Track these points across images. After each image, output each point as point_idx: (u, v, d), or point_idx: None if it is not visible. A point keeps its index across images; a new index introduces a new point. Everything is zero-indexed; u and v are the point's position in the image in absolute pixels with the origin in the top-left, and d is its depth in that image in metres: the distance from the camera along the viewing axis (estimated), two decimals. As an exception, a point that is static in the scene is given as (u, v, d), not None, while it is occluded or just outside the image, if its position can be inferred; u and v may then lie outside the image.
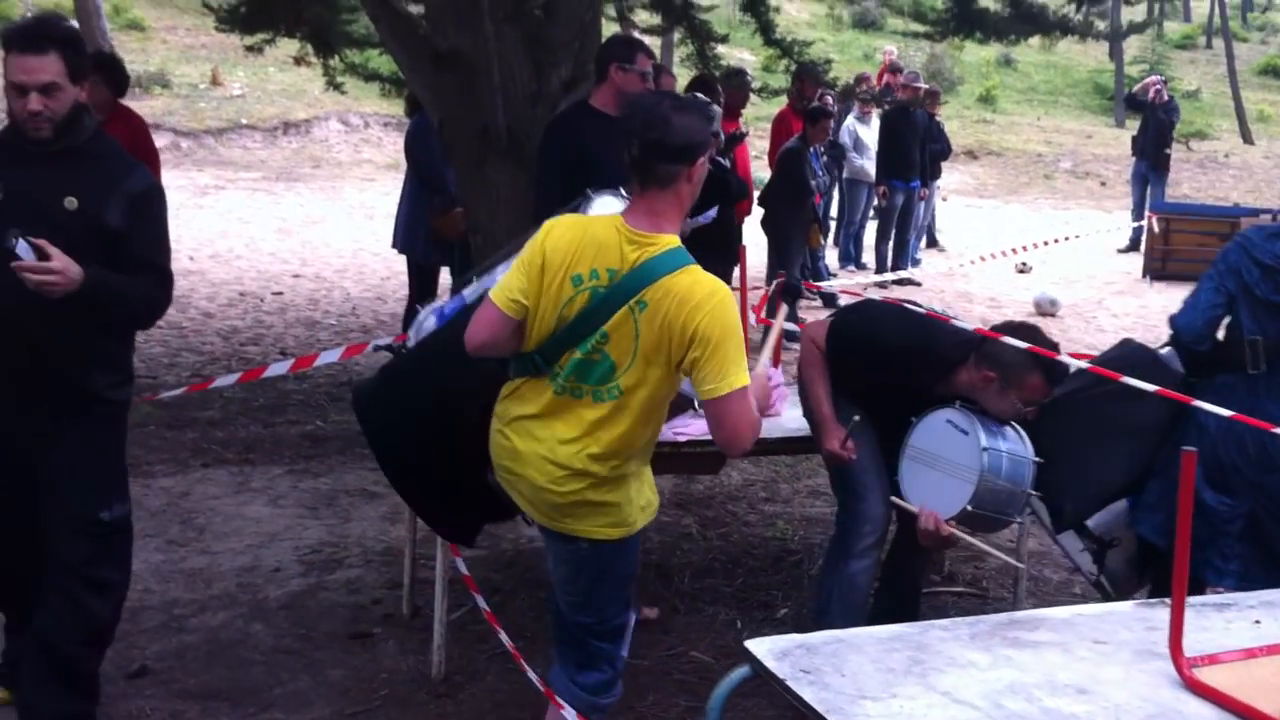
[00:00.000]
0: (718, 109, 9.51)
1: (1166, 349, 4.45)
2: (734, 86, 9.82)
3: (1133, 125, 19.59)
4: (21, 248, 3.26)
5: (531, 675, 3.58)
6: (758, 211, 10.32)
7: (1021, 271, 14.01)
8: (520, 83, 6.50)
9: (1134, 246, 15.86)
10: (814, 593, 4.67)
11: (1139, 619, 2.80)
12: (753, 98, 10.85)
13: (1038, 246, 12.39)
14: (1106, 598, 4.28)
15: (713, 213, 5.99)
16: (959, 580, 5.51)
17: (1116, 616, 2.83)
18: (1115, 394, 4.17)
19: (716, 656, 4.54)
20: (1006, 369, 3.96)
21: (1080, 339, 10.68)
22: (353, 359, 7.66)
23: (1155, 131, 15.90)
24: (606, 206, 3.56)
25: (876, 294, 8.24)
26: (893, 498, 4.19)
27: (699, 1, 10.43)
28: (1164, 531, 4.11)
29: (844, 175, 13.49)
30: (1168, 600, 2.50)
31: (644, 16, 11.65)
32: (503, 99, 6.38)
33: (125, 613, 3.92)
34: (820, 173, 10.81)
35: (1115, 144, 26.14)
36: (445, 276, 8.39)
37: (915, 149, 13.15)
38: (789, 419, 4.76)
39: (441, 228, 7.72)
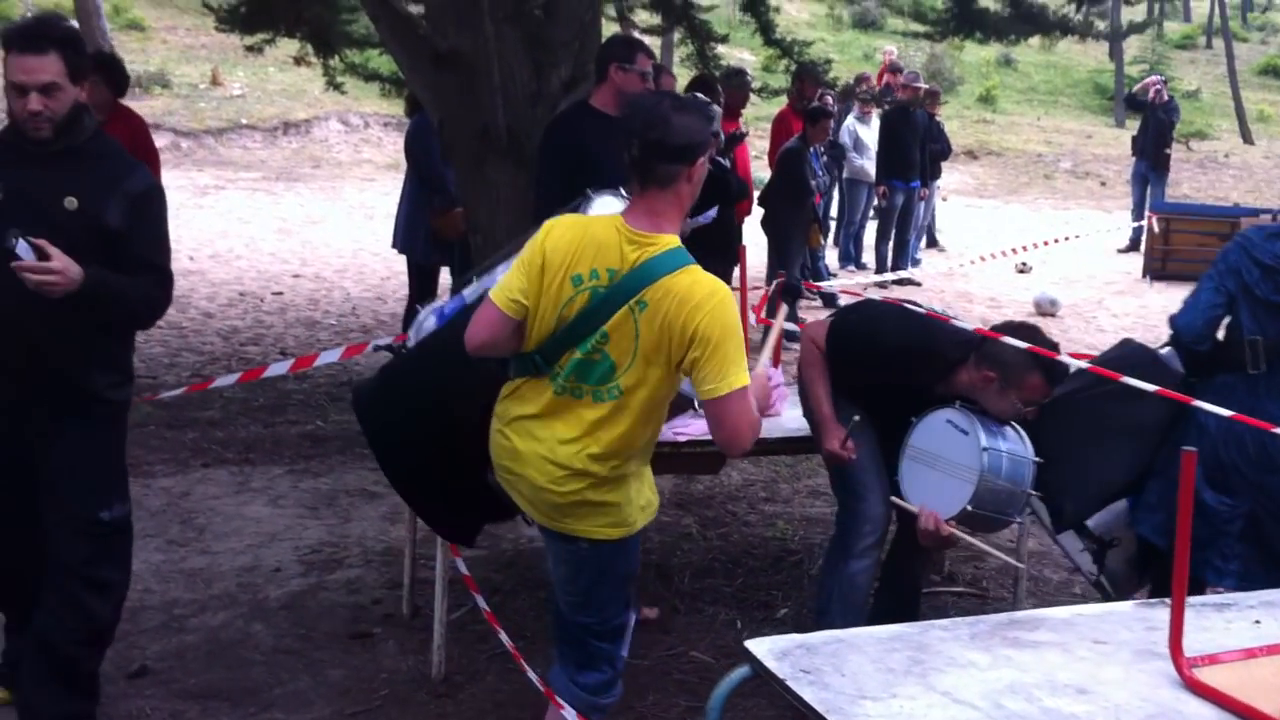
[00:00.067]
0: (718, 109, 9.50)
1: (1166, 349, 4.45)
2: (734, 86, 9.80)
3: (1133, 125, 19.59)
4: (21, 248, 3.26)
5: (531, 675, 3.58)
6: (758, 211, 10.31)
7: (1021, 271, 14.01)
8: (520, 83, 6.50)
9: (1134, 246, 15.86)
10: (814, 593, 4.67)
11: (1139, 619, 2.80)
12: (753, 98, 10.84)
13: (1038, 246, 12.39)
14: (1106, 598, 4.28)
15: (713, 213, 5.99)
16: (959, 580, 5.51)
17: (1116, 616, 2.83)
18: (1115, 394, 4.16)
19: (716, 656, 4.53)
20: (1006, 369, 3.96)
21: (1080, 339, 10.68)
22: (353, 359, 7.66)
23: (1155, 131, 15.90)
24: (606, 206, 3.56)
25: (876, 294, 8.24)
26: (893, 498, 4.19)
27: (699, 1, 10.43)
28: (1164, 531, 4.11)
29: (844, 175, 13.49)
30: (1168, 600, 2.50)
31: (644, 16, 11.65)
32: (503, 99, 6.37)
33: (125, 613, 3.92)
34: (820, 173, 10.81)
35: (1115, 144, 26.14)
36: (445, 276, 8.39)
37: (915, 149, 13.15)
38: (789, 419, 4.76)
39: (441, 228, 7.72)
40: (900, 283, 12.19)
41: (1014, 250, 12.76)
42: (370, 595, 4.97)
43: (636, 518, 3.17)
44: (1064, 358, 4.11)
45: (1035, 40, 18.30)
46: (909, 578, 4.58)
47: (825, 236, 12.45)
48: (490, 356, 3.17)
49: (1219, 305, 4.19)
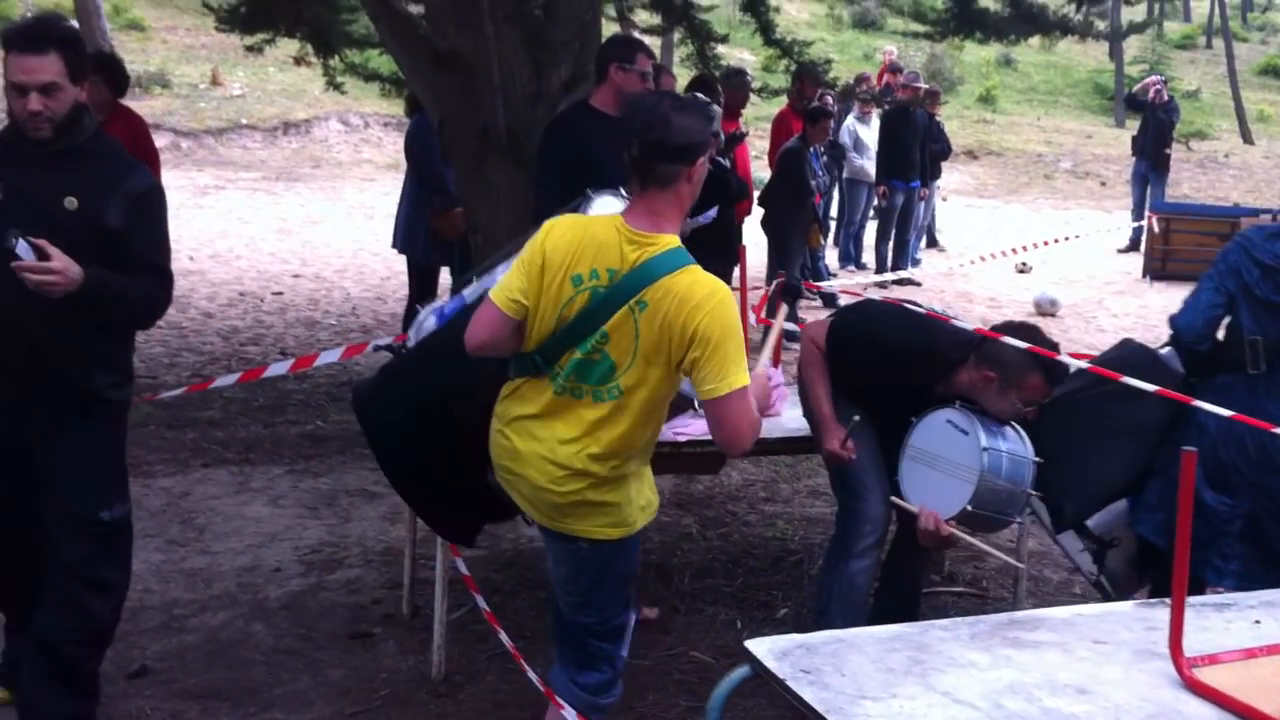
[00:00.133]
0: (717, 109, 9.50)
1: (1166, 349, 4.44)
2: (734, 86, 9.80)
3: (1133, 125, 19.59)
4: (21, 248, 3.26)
5: (531, 675, 3.58)
6: (757, 211, 10.31)
7: (1021, 271, 14.01)
8: (520, 83, 6.50)
9: (1134, 246, 15.86)
10: (814, 593, 4.67)
11: (1139, 619, 2.80)
12: (753, 98, 10.84)
13: (1038, 246, 12.39)
14: (1106, 598, 4.28)
15: (713, 213, 5.99)
16: (959, 580, 5.51)
17: (1116, 616, 2.83)
18: (1115, 394, 4.16)
19: (716, 656, 4.53)
20: (1006, 369, 3.96)
21: (1080, 339, 10.68)
22: (353, 359, 7.66)
23: (1155, 131, 15.89)
24: (606, 206, 3.56)
25: (876, 294, 8.23)
26: (893, 498, 4.19)
27: (699, 1, 10.43)
28: (1164, 531, 4.11)
29: (844, 175, 13.49)
30: (1168, 600, 2.50)
31: (644, 16, 11.65)
32: (503, 99, 6.37)
33: (125, 613, 3.92)
34: (820, 173, 10.80)
35: (1115, 144, 26.14)
36: (445, 276, 8.39)
37: (915, 149, 13.15)
38: (789, 419, 4.76)
39: (441, 228, 7.72)
40: (900, 283, 12.19)
41: (1014, 250, 12.76)
42: (370, 595, 4.97)
43: (636, 518, 3.17)
44: (1064, 358, 4.11)
45: (1035, 40, 18.29)
46: (909, 578, 4.58)
47: (825, 236, 12.45)
48: (490, 356, 3.16)
49: (1219, 305, 4.19)
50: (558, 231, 3.08)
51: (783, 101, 11.64)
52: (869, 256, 13.89)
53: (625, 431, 3.05)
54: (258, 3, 9.22)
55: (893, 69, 15.59)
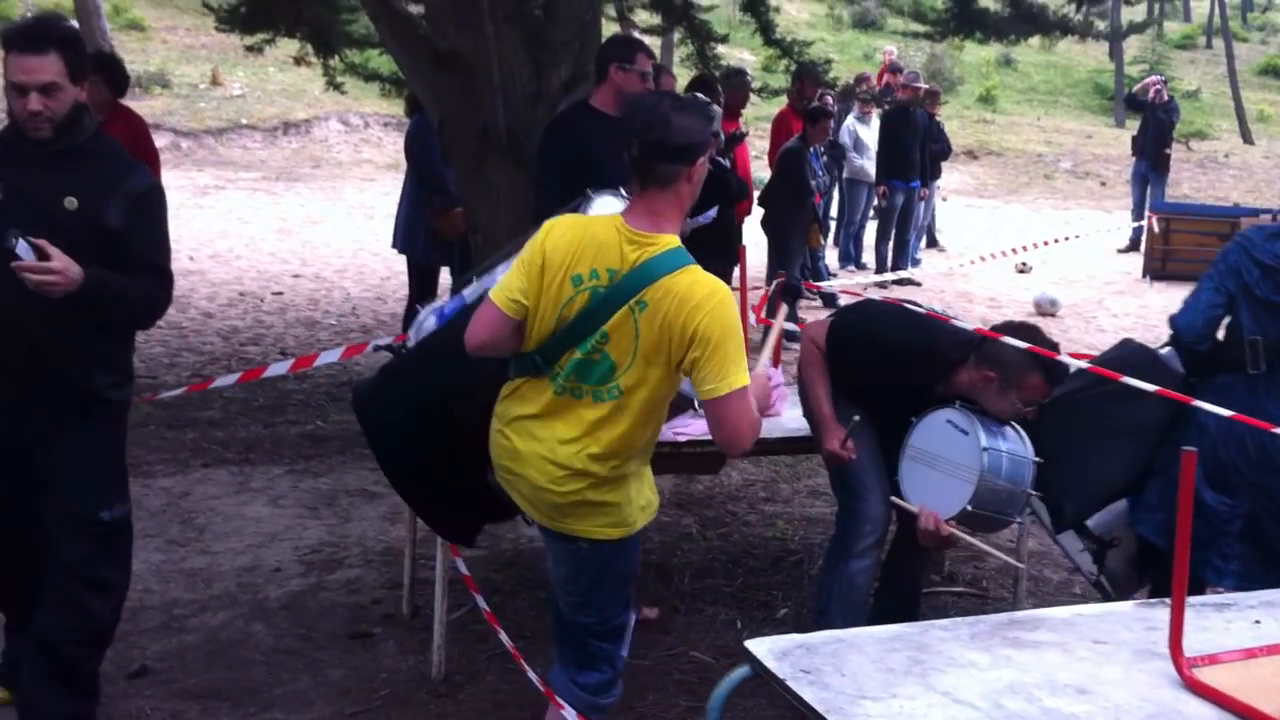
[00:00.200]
0: (718, 108, 9.50)
1: (1166, 349, 4.44)
2: (734, 86, 9.81)
3: (1133, 125, 19.59)
4: (21, 248, 3.26)
5: (531, 675, 3.58)
6: (757, 211, 10.31)
7: (1021, 271, 14.01)
8: (520, 83, 6.50)
9: (1134, 246, 15.86)
10: (814, 593, 4.67)
11: (1139, 619, 2.80)
12: (752, 98, 10.84)
13: (1038, 246, 12.39)
14: (1106, 598, 4.28)
15: (712, 213, 5.99)
16: (959, 580, 5.51)
17: (1116, 616, 2.83)
18: (1115, 394, 4.16)
19: (716, 656, 4.53)
20: (1006, 369, 3.96)
21: (1080, 339, 10.68)
22: (353, 359, 7.66)
23: (1155, 131, 15.89)
24: (606, 207, 3.56)
25: (876, 294, 8.23)
26: (893, 498, 4.19)
27: (699, 1, 10.43)
28: (1164, 531, 4.11)
29: (844, 175, 13.49)
30: (1167, 600, 2.50)
31: (644, 16, 11.65)
32: (503, 99, 6.37)
33: (125, 613, 3.92)
34: (820, 173, 10.80)
35: (1115, 144, 26.14)
36: (445, 276, 8.38)
37: (915, 149, 13.15)
38: (789, 419, 4.76)
39: (441, 228, 7.72)
40: (900, 283, 12.19)
41: (1014, 250, 12.76)
42: (370, 595, 4.97)
43: (636, 518, 3.17)
44: (1064, 358, 4.11)
45: (1035, 40, 18.27)
46: (909, 578, 4.58)
47: (825, 236, 12.45)
48: (490, 356, 3.16)
49: (1219, 305, 4.19)
50: (558, 231, 3.08)
51: (783, 101, 11.64)
52: (869, 256, 13.89)
53: (625, 431, 3.05)
54: (258, 3, 9.22)
55: (892, 69, 15.58)
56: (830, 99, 11.29)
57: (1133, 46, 32.64)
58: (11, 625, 3.90)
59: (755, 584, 5.26)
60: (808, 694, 2.31)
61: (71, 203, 3.43)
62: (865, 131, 13.54)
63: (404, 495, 3.85)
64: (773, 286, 6.97)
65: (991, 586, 5.48)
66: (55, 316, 3.38)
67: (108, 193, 3.48)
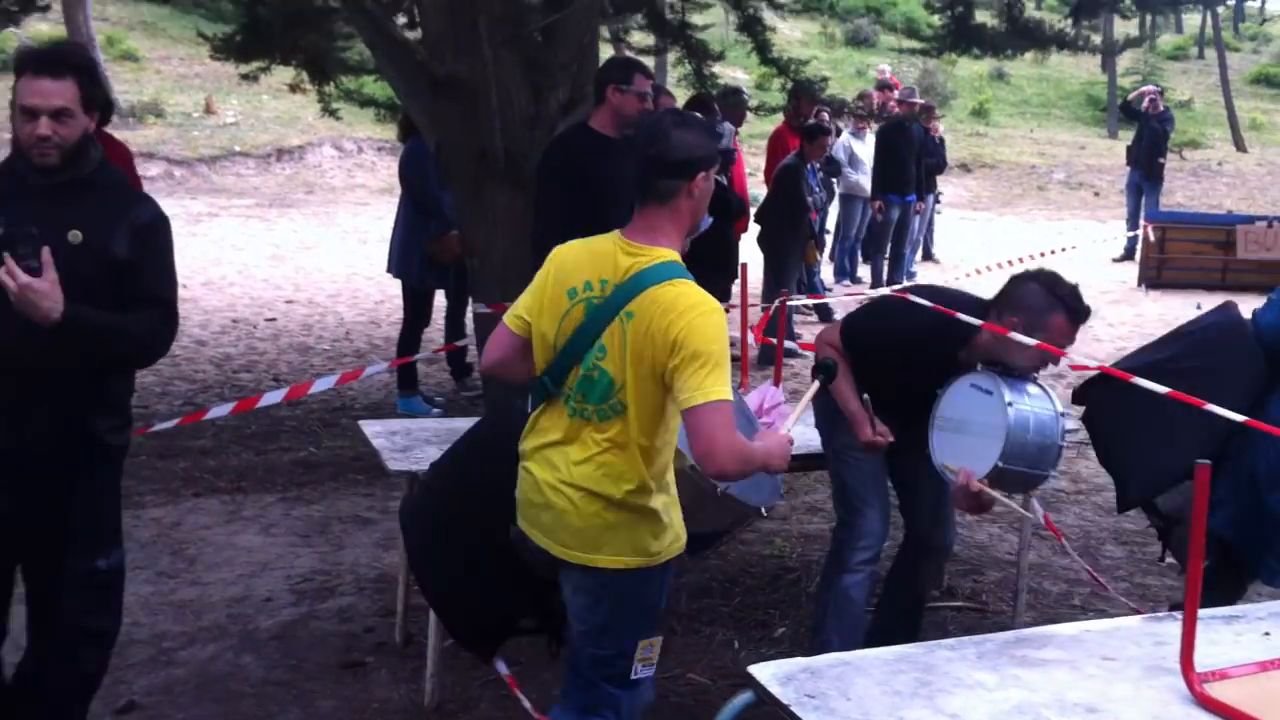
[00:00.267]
0: (729, 125, 9.49)
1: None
2: (731, 105, 9.83)
3: (1126, 136, 19.64)
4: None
5: (525, 703, 3.51)
6: (754, 228, 10.27)
7: (1017, 283, 13.96)
8: (518, 106, 6.48)
9: (1129, 256, 15.89)
10: (812, 610, 4.61)
11: (1148, 634, 2.74)
12: (749, 115, 10.83)
13: (1033, 258, 12.33)
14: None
15: (708, 220, 5.95)
16: (958, 595, 5.45)
17: (1125, 632, 2.77)
18: (1186, 372, 4.09)
19: (714, 678, 4.47)
20: (1029, 313, 3.92)
21: (1077, 348, 10.57)
22: (347, 384, 7.61)
23: (1150, 141, 15.92)
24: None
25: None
26: (939, 463, 4.08)
27: (695, 21, 10.40)
28: (1234, 524, 4.02)
29: (839, 190, 13.48)
30: (1176, 614, 2.44)
31: (638, 37, 11.63)
32: (500, 122, 6.36)
33: (114, 646, 3.84)
34: (817, 189, 10.77)
35: (1108, 155, 26.21)
36: (440, 299, 8.35)
37: (911, 163, 13.17)
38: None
39: (437, 252, 7.69)
40: (896, 297, 12.12)
41: (1009, 262, 12.67)
42: (363, 623, 4.89)
43: (660, 549, 3.06)
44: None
45: (1028, 54, 18.28)
46: (912, 593, 4.54)
47: (821, 252, 12.43)
48: (509, 379, 3.18)
49: None
50: (565, 250, 3.11)
51: (779, 119, 11.63)
52: (864, 271, 13.86)
53: (633, 450, 2.97)
54: (253, 31, 9.19)
55: (881, 86, 15.61)
56: (827, 116, 11.28)
57: (1125, 58, 32.68)
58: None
59: (753, 603, 5.19)
60: (813, 719, 2.25)
61: (76, 236, 3.32)
62: (860, 147, 13.54)
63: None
64: (774, 306, 6.91)
65: (991, 600, 5.42)
66: (54, 352, 3.28)
67: (114, 224, 3.37)
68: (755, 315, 8.62)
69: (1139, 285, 14.49)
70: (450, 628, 3.53)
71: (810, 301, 10.89)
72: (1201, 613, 2.46)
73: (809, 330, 10.85)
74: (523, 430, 3.15)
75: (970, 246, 16.99)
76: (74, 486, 3.46)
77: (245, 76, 9.92)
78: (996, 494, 3.92)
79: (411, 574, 3.51)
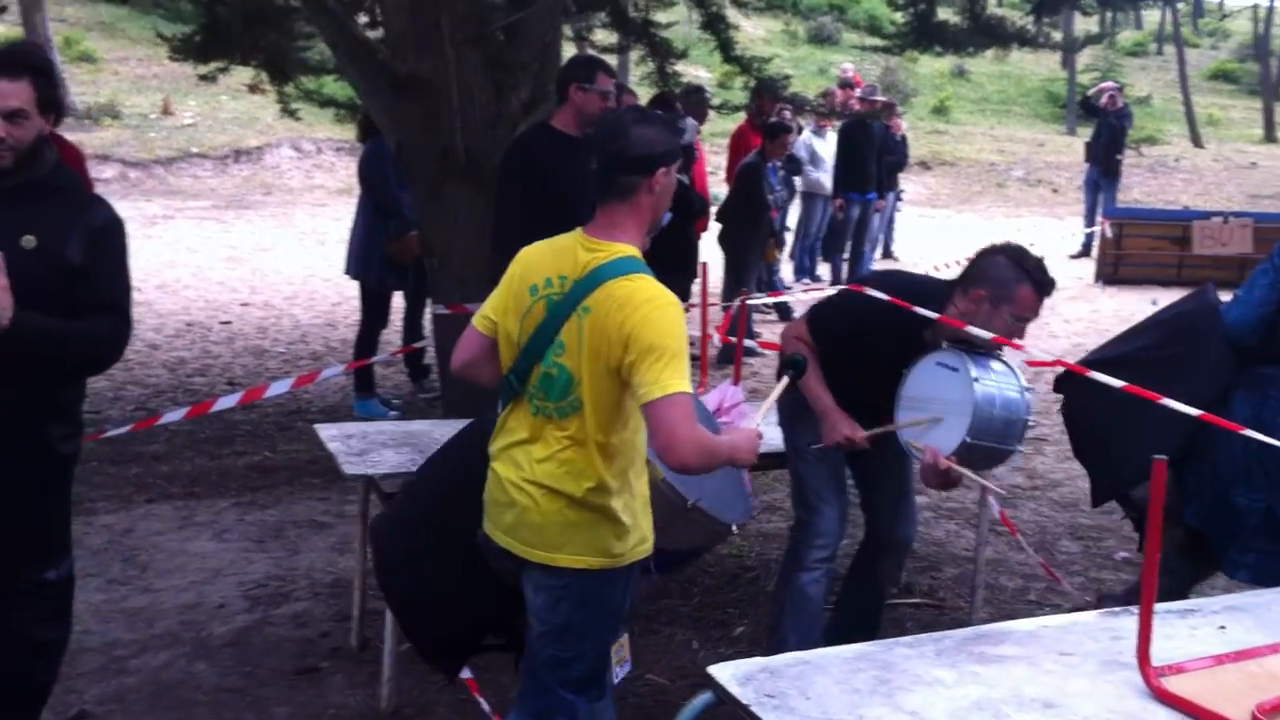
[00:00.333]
0: (692, 121, 9.47)
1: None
2: (693, 103, 9.84)
3: (1085, 133, 19.79)
4: None
5: (484, 705, 3.46)
6: (714, 227, 10.27)
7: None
8: (480, 105, 6.45)
9: (1086, 252, 16.02)
10: (771, 607, 4.60)
11: (1104, 629, 2.73)
12: (711, 114, 10.82)
13: (992, 255, 12.39)
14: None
15: (666, 216, 5.93)
16: (915, 592, 5.46)
17: (1082, 627, 2.76)
18: (1160, 361, 4.09)
19: (673, 678, 4.45)
20: (995, 284, 3.92)
21: (1034, 344, 10.63)
22: (303, 388, 7.52)
23: (1108, 138, 16.04)
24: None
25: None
26: (904, 441, 4.09)
27: (657, 19, 10.38)
28: (1201, 517, 4.05)
29: (800, 188, 13.50)
30: (1132, 609, 2.43)
31: (601, 35, 11.60)
32: (462, 122, 6.34)
33: (64, 656, 3.77)
34: (778, 187, 10.77)
35: (1067, 151, 26.43)
36: (399, 301, 8.28)
37: (872, 161, 13.19)
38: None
39: (397, 252, 7.64)
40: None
41: (968, 259, 12.74)
42: (318, 628, 4.83)
43: (624, 551, 3.03)
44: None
45: (989, 51, 18.35)
46: (872, 591, 4.54)
47: (781, 250, 12.44)
48: (478, 380, 3.16)
49: (1272, 302, 4.05)
50: (530, 249, 3.11)
51: (740, 117, 11.62)
52: (824, 269, 13.89)
53: (590, 447, 2.94)
54: (212, 31, 9.10)
55: (843, 84, 15.63)
56: (788, 114, 11.29)
57: (1085, 55, 33.03)
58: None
59: (712, 603, 5.17)
60: (772, 719, 2.23)
61: (30, 241, 3.25)
62: (821, 145, 13.55)
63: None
64: (735, 305, 6.90)
65: (948, 597, 5.43)
66: (2, 360, 3.20)
67: (69, 228, 3.30)
68: (715, 314, 8.62)
69: (1096, 281, 14.62)
70: (416, 641, 3.45)
71: (770, 300, 10.90)
72: (1157, 607, 2.45)
73: (769, 329, 10.86)
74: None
75: (929, 244, 17.06)
76: (23, 496, 3.38)
77: (204, 77, 9.83)
78: (965, 471, 3.92)
79: (381, 582, 3.39)
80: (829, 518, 4.24)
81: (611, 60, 9.81)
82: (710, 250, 9.66)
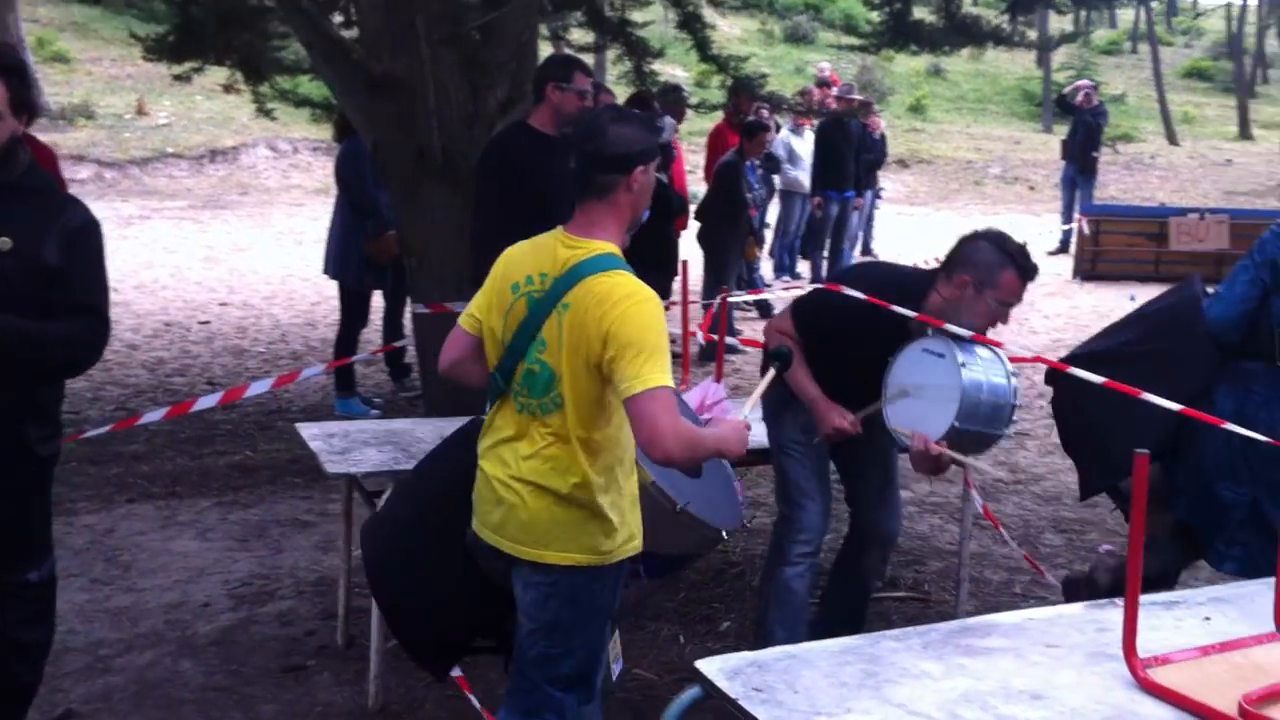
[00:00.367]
0: (671, 120, 9.48)
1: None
2: (670, 102, 9.83)
3: (1061, 130, 19.86)
4: None
5: (474, 701, 3.46)
6: (693, 225, 10.28)
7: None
8: (456, 104, 6.44)
9: (1063, 249, 16.08)
10: (757, 602, 4.61)
11: (1090, 621, 2.75)
12: (689, 113, 10.83)
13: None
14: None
15: (644, 214, 5.93)
16: (901, 585, 5.48)
17: (1068, 619, 2.78)
18: (1146, 355, 4.11)
19: (661, 673, 4.46)
20: (979, 269, 3.95)
21: (1013, 340, 10.71)
22: (283, 387, 7.50)
23: (1084, 135, 16.10)
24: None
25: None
26: (891, 426, 4.10)
27: (634, 18, 10.38)
28: (1189, 509, 4.08)
29: (778, 187, 13.52)
30: (1118, 601, 2.44)
31: (577, 35, 11.60)
32: (438, 121, 6.32)
33: (48, 656, 3.76)
34: (756, 186, 10.80)
35: (1043, 149, 26.52)
36: (378, 300, 8.27)
37: (850, 159, 13.22)
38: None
39: (375, 252, 7.63)
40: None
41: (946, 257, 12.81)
42: (304, 627, 4.82)
43: (613, 549, 3.03)
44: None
45: (965, 50, 18.41)
46: (857, 584, 4.56)
47: (760, 248, 12.47)
48: (466, 381, 3.17)
49: (1254, 298, 4.06)
50: (513, 248, 3.12)
51: (718, 116, 11.63)
52: (804, 266, 13.91)
53: (573, 444, 2.94)
54: (186, 32, 9.06)
55: (820, 83, 15.67)
56: (766, 113, 11.31)
57: (1060, 53, 33.11)
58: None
59: (698, 598, 5.19)
60: (761, 713, 2.24)
61: (5, 243, 3.21)
62: (799, 143, 13.58)
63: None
64: (716, 303, 6.92)
65: (933, 590, 5.46)
66: None
67: (44, 230, 3.26)
68: (696, 312, 8.64)
69: (1074, 277, 14.69)
70: (409, 641, 3.41)
71: (750, 297, 10.92)
72: (1142, 599, 2.47)
73: (749, 326, 10.88)
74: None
75: (908, 241, 17.10)
76: (2, 498, 3.37)
77: (178, 77, 9.80)
78: (955, 455, 3.94)
79: (373, 583, 3.35)
80: (812, 512, 4.26)
81: (588, 59, 9.81)
82: (690, 248, 9.67)
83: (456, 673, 3.65)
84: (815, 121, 13.63)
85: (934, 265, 4.27)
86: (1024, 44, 10.92)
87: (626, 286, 2.89)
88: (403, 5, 6.28)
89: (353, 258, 7.76)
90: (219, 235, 16.12)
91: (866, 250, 15.60)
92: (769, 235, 13.91)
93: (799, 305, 4.32)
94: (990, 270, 3.95)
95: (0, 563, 3.40)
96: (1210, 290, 4.30)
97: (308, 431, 4.77)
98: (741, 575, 5.43)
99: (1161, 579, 4.08)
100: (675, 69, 22.82)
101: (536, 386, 2.96)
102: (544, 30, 10.59)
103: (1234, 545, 4.05)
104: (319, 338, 10.22)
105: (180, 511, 6.12)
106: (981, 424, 3.93)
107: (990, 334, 4.16)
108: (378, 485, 4.30)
